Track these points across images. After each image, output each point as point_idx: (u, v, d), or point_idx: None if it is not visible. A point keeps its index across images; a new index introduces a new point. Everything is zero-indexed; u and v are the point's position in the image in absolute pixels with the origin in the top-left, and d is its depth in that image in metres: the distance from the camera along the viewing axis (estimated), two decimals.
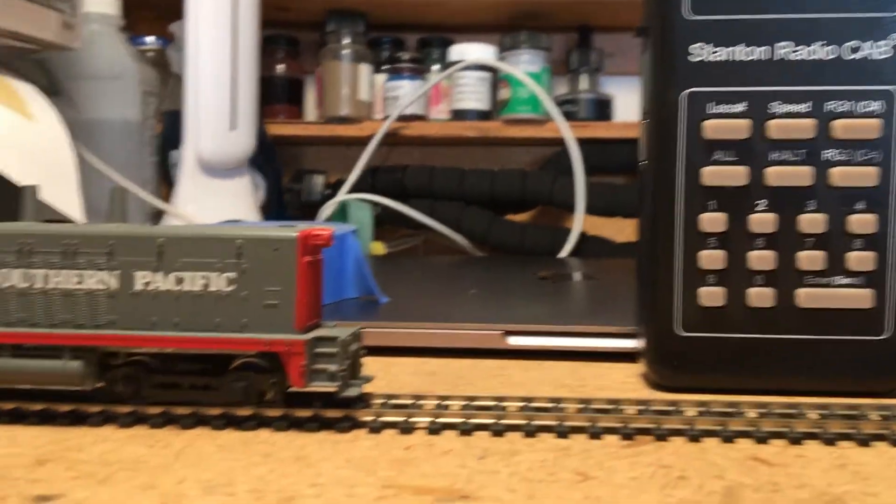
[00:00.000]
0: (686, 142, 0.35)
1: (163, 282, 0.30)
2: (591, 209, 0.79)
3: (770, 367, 0.34)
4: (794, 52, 0.34)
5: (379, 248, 0.83)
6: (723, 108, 0.34)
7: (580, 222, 0.77)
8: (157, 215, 0.77)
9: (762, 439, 0.29)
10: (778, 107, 0.34)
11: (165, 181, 0.82)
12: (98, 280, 0.30)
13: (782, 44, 0.34)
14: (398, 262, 0.72)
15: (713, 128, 0.34)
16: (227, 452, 0.27)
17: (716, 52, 0.34)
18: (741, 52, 0.34)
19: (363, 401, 0.32)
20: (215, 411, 0.30)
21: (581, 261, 0.74)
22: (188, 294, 0.30)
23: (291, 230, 0.30)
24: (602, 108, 0.90)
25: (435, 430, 0.30)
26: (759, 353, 0.34)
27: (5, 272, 0.30)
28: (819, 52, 0.34)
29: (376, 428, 0.30)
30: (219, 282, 0.30)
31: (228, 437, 0.29)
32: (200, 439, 0.29)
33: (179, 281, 0.30)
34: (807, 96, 0.34)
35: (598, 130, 0.88)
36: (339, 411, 0.30)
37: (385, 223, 0.85)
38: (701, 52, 0.34)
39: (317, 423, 0.30)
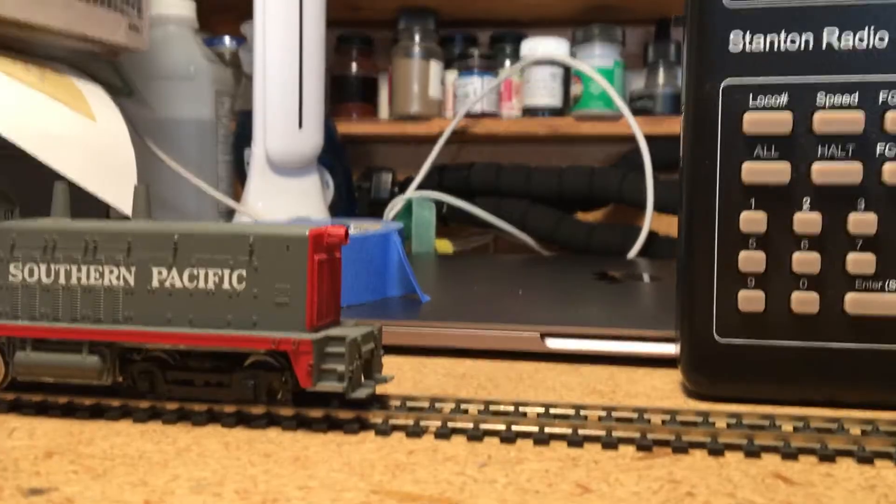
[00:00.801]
0: (725, 136, 0.33)
1: (177, 278, 0.30)
2: (662, 207, 0.76)
3: (812, 378, 0.32)
4: (841, 39, 0.31)
5: (446, 246, 0.82)
6: (764, 101, 0.32)
7: (649, 221, 0.75)
8: (229, 213, 0.79)
9: (790, 455, 0.27)
10: (824, 98, 0.32)
11: (240, 179, 0.83)
12: (117, 276, 0.31)
13: (828, 30, 0.31)
14: (460, 261, 0.72)
15: (754, 121, 0.32)
16: (230, 451, 0.27)
17: (756, 40, 0.32)
18: (783, 41, 0.32)
19: (379, 402, 0.31)
20: (229, 409, 0.30)
21: (650, 261, 0.71)
22: (201, 291, 0.30)
23: (303, 228, 0.30)
24: (679, 103, 0.87)
25: (443, 434, 0.29)
26: (801, 363, 0.32)
27: (31, 267, 0.31)
28: (869, 38, 0.31)
29: (384, 430, 0.29)
30: (231, 279, 0.30)
31: (237, 435, 0.29)
32: (209, 437, 0.29)
33: (193, 278, 0.30)
34: (856, 87, 0.31)
35: (676, 126, 0.85)
36: (350, 412, 0.30)
37: (453, 221, 0.85)
38: (740, 40, 0.32)
39: (325, 423, 0.29)
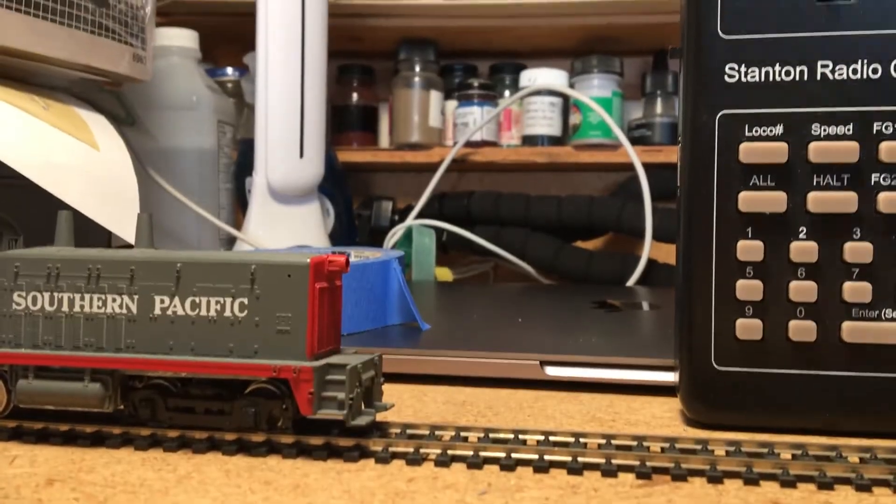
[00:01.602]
0: (721, 166, 0.33)
1: (179, 306, 0.30)
2: (661, 236, 0.76)
3: (811, 406, 0.32)
4: (836, 70, 0.32)
5: (446, 274, 0.82)
6: (760, 131, 0.33)
7: (648, 249, 0.75)
8: (231, 241, 0.79)
9: (789, 483, 0.27)
10: (819, 129, 0.32)
11: (241, 207, 0.84)
12: (119, 304, 0.31)
13: (822, 63, 0.32)
14: (460, 289, 0.72)
15: (750, 151, 0.33)
16: (230, 478, 0.27)
17: (751, 72, 0.33)
18: (778, 72, 0.32)
19: (379, 429, 0.31)
20: (230, 436, 0.30)
21: (649, 289, 0.71)
22: (203, 319, 0.30)
23: (304, 256, 0.30)
24: (677, 133, 0.88)
25: (443, 462, 0.29)
26: (799, 391, 0.32)
27: (35, 295, 0.31)
28: (863, 70, 0.32)
29: (384, 458, 0.29)
30: (232, 307, 0.30)
31: (237, 462, 0.29)
32: (209, 464, 0.29)
33: (195, 306, 0.30)
34: (850, 117, 0.32)
35: (673, 155, 0.85)
36: (350, 440, 0.30)
37: (453, 249, 0.85)
38: (736, 72, 0.33)
39: (325, 451, 0.30)
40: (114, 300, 0.31)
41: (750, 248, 0.33)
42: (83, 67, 0.55)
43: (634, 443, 0.30)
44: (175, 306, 0.30)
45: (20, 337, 0.31)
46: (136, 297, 0.31)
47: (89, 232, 0.51)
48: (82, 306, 0.31)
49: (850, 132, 0.32)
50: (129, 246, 0.50)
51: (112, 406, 0.31)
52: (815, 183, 0.32)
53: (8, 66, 0.51)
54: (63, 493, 0.26)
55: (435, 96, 0.90)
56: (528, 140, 0.88)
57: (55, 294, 0.31)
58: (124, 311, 0.31)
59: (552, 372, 0.40)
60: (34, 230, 0.37)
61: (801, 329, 0.32)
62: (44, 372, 0.31)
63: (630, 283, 0.76)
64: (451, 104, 0.91)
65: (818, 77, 0.32)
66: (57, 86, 0.58)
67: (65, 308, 0.31)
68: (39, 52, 0.51)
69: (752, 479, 0.27)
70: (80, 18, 0.54)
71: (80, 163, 0.51)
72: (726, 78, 0.33)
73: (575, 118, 0.86)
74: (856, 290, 0.32)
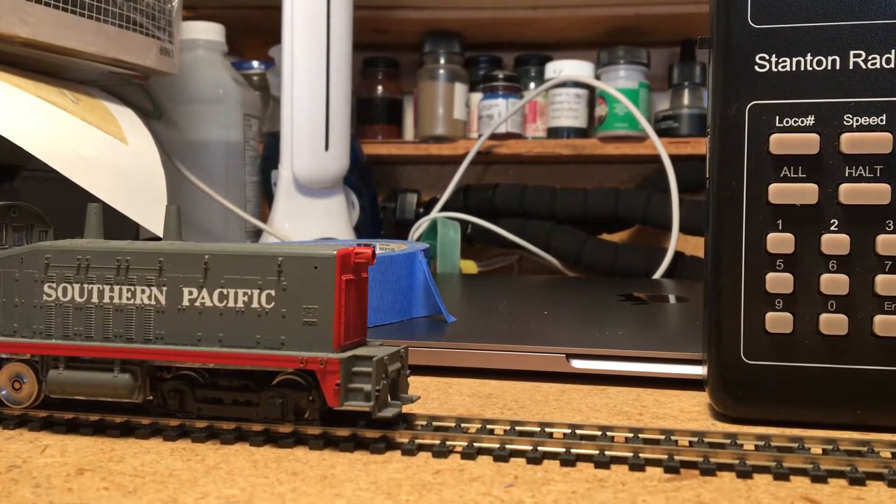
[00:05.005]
0: (751, 157, 0.33)
1: (207, 298, 0.31)
2: (688, 228, 0.76)
3: (842, 400, 0.32)
4: (868, 60, 0.31)
5: (471, 266, 0.82)
6: (790, 122, 0.32)
7: (675, 242, 0.74)
8: (257, 233, 0.80)
9: (820, 478, 0.27)
10: (851, 119, 0.32)
11: (267, 200, 0.84)
12: (148, 295, 0.31)
13: (854, 52, 0.31)
14: (485, 281, 0.72)
15: (780, 142, 0.32)
16: (258, 469, 0.27)
17: (782, 62, 0.32)
18: (809, 62, 0.32)
19: (406, 421, 0.31)
20: (257, 427, 0.31)
21: (676, 282, 0.71)
22: (231, 310, 0.30)
23: (331, 248, 0.30)
24: (705, 124, 0.87)
25: (469, 454, 0.29)
26: (830, 385, 0.32)
27: (65, 286, 0.32)
28: None
29: (411, 450, 0.29)
30: (260, 299, 0.30)
31: (264, 453, 0.29)
32: (237, 455, 0.29)
33: (223, 297, 0.30)
34: (883, 108, 0.31)
35: (700, 147, 0.85)
36: (377, 432, 0.30)
37: (478, 242, 0.85)
38: (766, 62, 0.32)
39: (352, 442, 0.30)
40: (143, 292, 0.31)
41: (780, 241, 0.32)
42: (111, 61, 0.56)
43: (662, 437, 0.30)
44: (203, 298, 0.31)
45: (51, 328, 0.32)
46: (164, 288, 0.31)
47: (118, 224, 0.52)
48: (112, 297, 0.31)
49: (883, 122, 0.31)
50: (157, 238, 0.51)
51: (141, 396, 0.31)
52: (846, 174, 0.32)
53: (38, 60, 0.52)
54: (93, 482, 0.26)
55: (460, 88, 0.90)
56: (554, 132, 0.88)
57: (85, 285, 0.32)
58: (153, 302, 0.31)
59: (578, 365, 0.40)
60: (64, 223, 0.37)
61: (832, 322, 0.32)
62: (74, 363, 0.31)
63: (656, 275, 0.75)
64: (476, 96, 0.91)
65: (850, 66, 0.31)
66: (86, 79, 0.59)
67: (94, 299, 0.31)
68: (69, 46, 0.51)
69: (782, 474, 0.27)
70: (108, 12, 0.54)
71: (109, 156, 0.51)
72: (756, 68, 0.32)
73: (601, 110, 0.86)
74: (889, 284, 0.31)
